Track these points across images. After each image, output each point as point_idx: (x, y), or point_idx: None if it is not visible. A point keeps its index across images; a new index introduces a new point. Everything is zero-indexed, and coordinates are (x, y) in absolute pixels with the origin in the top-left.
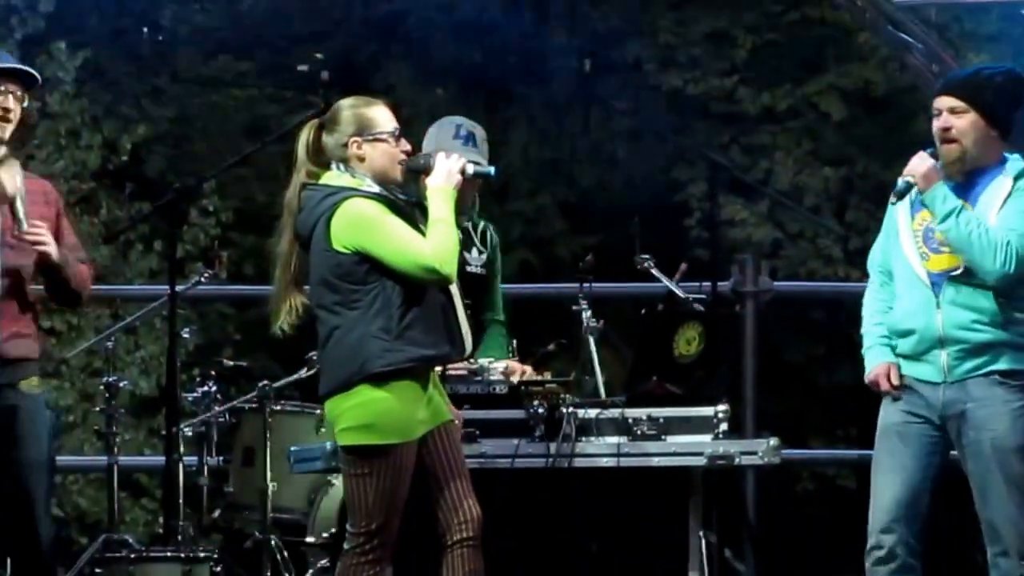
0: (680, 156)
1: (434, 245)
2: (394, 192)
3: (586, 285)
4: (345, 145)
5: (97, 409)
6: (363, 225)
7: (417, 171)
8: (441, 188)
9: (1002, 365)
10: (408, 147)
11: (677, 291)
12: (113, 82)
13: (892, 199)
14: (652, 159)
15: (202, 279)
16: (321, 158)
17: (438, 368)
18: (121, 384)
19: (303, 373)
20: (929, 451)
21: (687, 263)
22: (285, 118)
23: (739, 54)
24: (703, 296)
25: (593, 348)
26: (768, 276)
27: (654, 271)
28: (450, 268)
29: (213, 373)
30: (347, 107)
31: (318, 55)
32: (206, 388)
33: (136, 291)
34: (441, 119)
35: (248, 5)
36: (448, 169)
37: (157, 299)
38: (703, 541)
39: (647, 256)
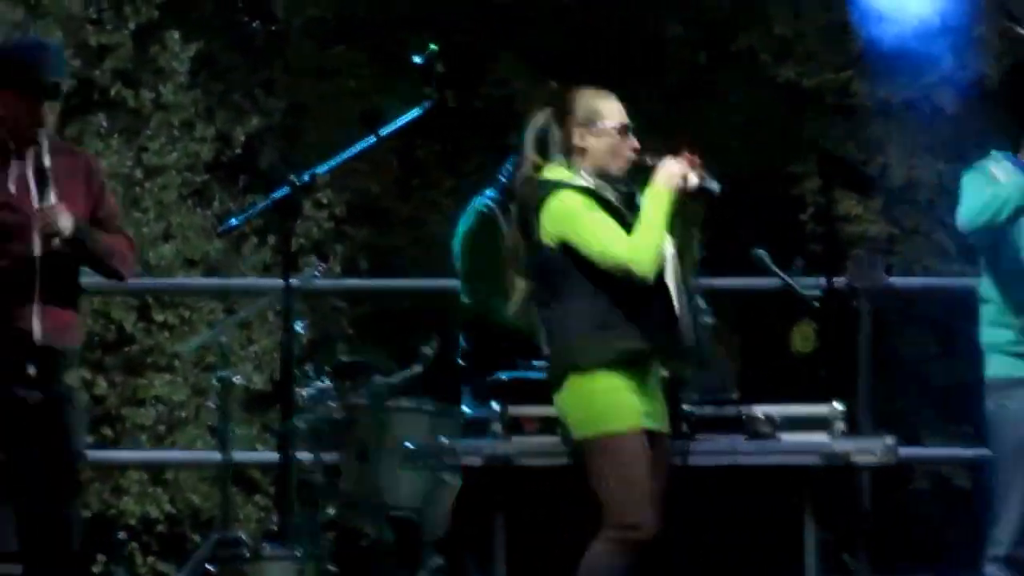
0: (795, 150)
1: (634, 245)
2: (612, 186)
3: (700, 280)
4: (570, 135)
5: (210, 404)
6: (567, 219)
7: (643, 168)
8: (657, 190)
9: None
10: (636, 144)
11: (793, 286)
12: (226, 73)
13: None
14: (766, 152)
15: (317, 273)
16: (547, 148)
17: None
18: (235, 379)
19: (419, 368)
20: None
21: (802, 258)
22: (399, 110)
23: (854, 47)
24: (818, 291)
25: (707, 344)
26: (884, 271)
27: (769, 265)
28: (645, 269)
29: (328, 368)
30: (576, 97)
31: (433, 46)
32: (320, 383)
33: (249, 285)
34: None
35: None
36: (670, 173)
37: (271, 293)
38: (818, 540)
39: (762, 250)
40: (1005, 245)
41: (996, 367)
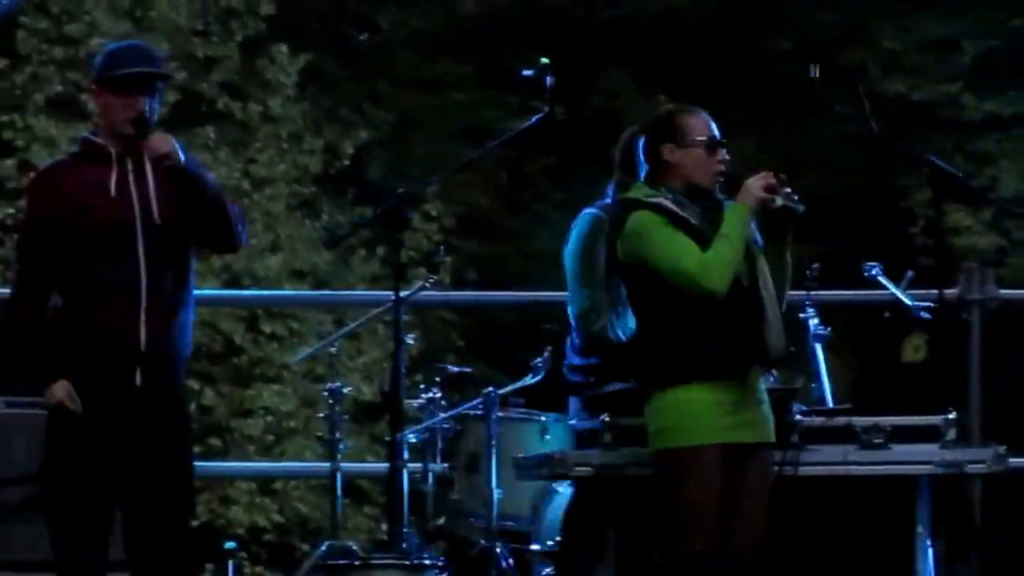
0: (904, 163)
1: (704, 259)
2: (699, 202)
3: (812, 293)
4: (659, 152)
5: (319, 415)
6: (639, 237)
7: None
8: (737, 205)
9: None
10: (726, 158)
11: (904, 299)
12: (333, 85)
13: None
14: (876, 166)
15: (426, 285)
16: (633, 166)
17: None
18: (344, 390)
19: (529, 379)
20: None
21: (913, 271)
22: (507, 123)
23: (963, 60)
24: (929, 304)
25: (820, 356)
26: (994, 284)
27: (881, 279)
28: (714, 283)
29: (437, 379)
30: (663, 113)
31: (544, 60)
32: (430, 394)
33: (358, 297)
34: None
35: (468, 8)
36: (750, 188)
37: (380, 305)
38: (930, 550)
39: (874, 264)
40: None
41: None
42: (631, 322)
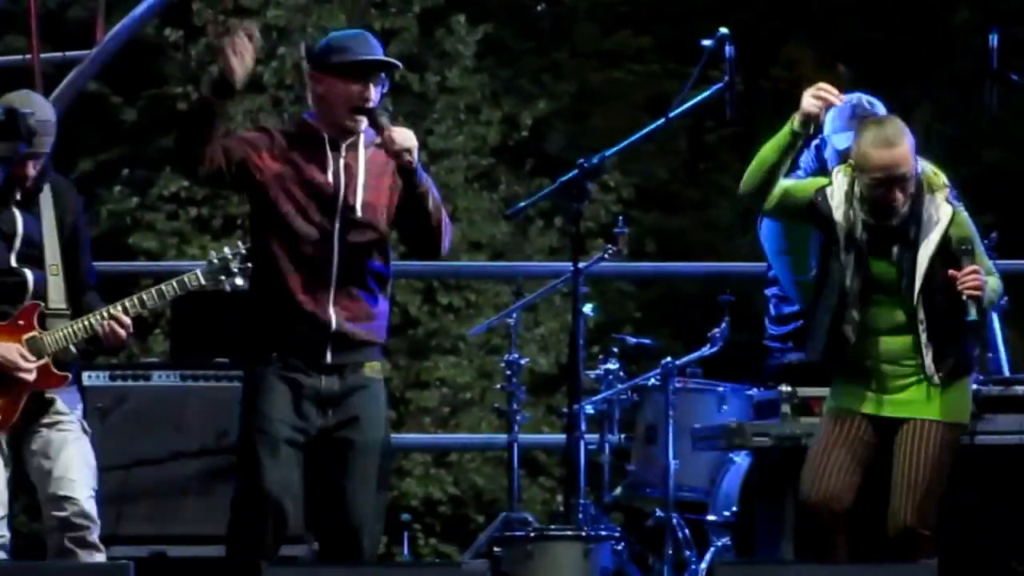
0: None
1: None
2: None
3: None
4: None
5: (497, 387)
6: None
7: None
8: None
9: None
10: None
11: None
12: (512, 57)
13: None
14: None
15: (605, 256)
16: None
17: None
18: (522, 362)
19: (706, 350)
20: None
21: None
22: (687, 94)
23: None
24: None
25: (997, 326)
26: None
27: None
28: (740, 187)
29: (614, 350)
30: (865, 128)
31: (723, 30)
32: (608, 365)
33: (536, 268)
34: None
35: None
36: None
37: (557, 276)
38: None
39: None
40: None
41: None
42: None
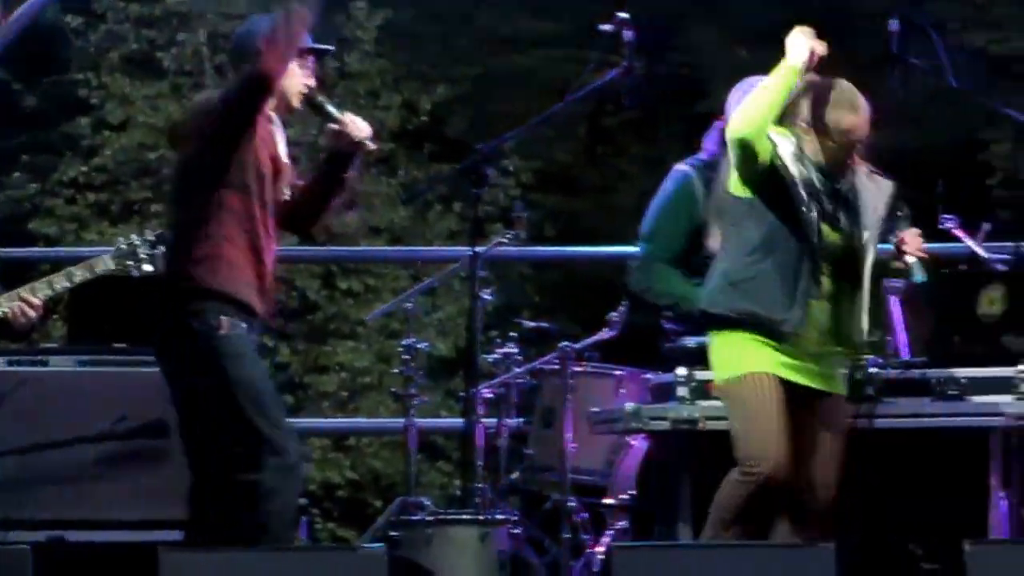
0: (984, 117)
1: (741, 107)
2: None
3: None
4: (802, 115)
5: (395, 371)
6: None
7: None
8: (786, 63)
9: None
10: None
11: (980, 252)
12: (414, 42)
13: None
14: (955, 120)
15: (503, 240)
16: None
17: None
18: (420, 346)
19: (604, 334)
20: None
21: (989, 224)
22: (585, 78)
23: None
24: (1006, 256)
25: (896, 309)
26: None
27: (957, 232)
28: (736, 125)
29: (513, 334)
30: (835, 91)
31: (622, 14)
32: (506, 349)
33: (434, 252)
34: (743, 80)
35: None
36: (797, 46)
37: (456, 260)
38: (1003, 500)
39: (950, 217)
40: None
41: None
42: None
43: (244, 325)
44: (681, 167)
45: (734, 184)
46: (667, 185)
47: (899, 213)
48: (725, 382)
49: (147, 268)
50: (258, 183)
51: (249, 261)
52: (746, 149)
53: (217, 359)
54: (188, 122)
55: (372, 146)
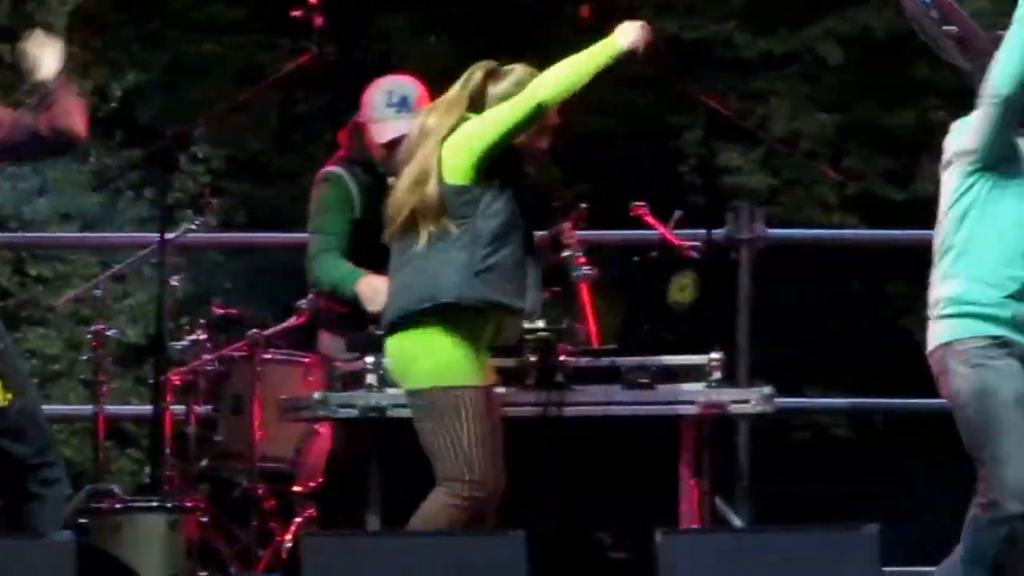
0: (676, 102)
1: (548, 71)
2: None
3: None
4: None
5: (84, 358)
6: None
7: None
8: (610, 40)
9: None
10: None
11: (671, 238)
12: (104, 27)
13: None
14: (647, 105)
15: (193, 226)
16: (476, 102)
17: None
18: (109, 333)
19: (294, 321)
20: None
21: (681, 210)
22: (278, 65)
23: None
24: (697, 243)
25: (585, 296)
26: (763, 223)
27: (648, 218)
28: (544, 87)
29: (203, 321)
30: (522, 69)
31: (312, 1)
32: (195, 336)
33: (125, 239)
34: (375, 82)
35: None
36: (629, 31)
37: (147, 247)
38: (694, 489)
39: (641, 203)
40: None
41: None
42: None
43: None
44: (332, 169)
45: (458, 173)
46: (324, 188)
47: (554, 204)
48: (430, 390)
49: None
50: None
51: None
52: (540, 117)
53: None
54: None
55: None
